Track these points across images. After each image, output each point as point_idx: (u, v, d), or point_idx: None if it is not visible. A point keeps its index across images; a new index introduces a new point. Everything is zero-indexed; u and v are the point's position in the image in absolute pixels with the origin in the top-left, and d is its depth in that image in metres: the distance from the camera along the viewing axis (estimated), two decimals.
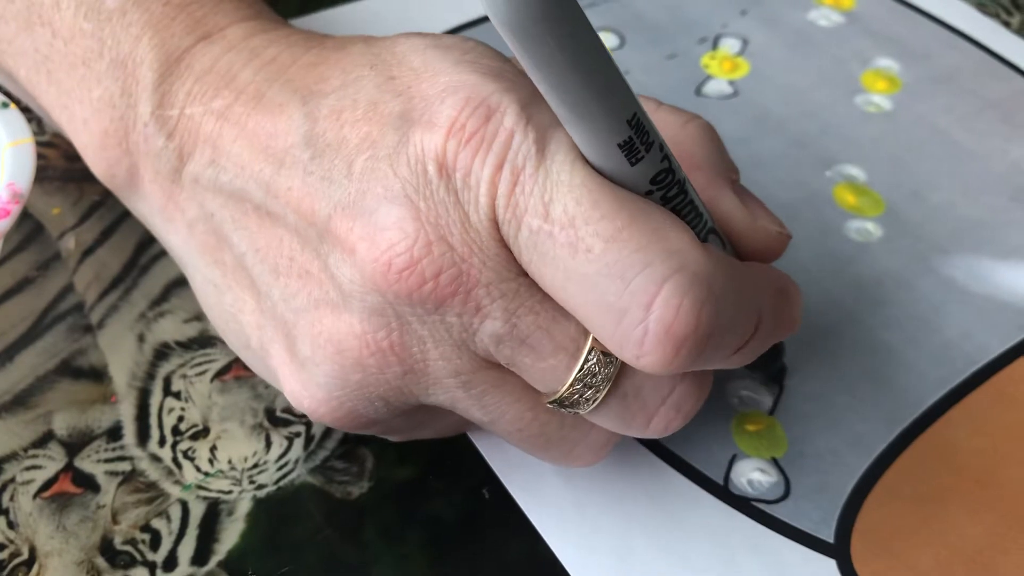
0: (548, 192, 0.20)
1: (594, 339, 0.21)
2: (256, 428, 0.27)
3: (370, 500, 0.26)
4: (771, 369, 0.29)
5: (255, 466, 0.26)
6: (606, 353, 0.21)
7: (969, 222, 0.33)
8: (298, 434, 0.27)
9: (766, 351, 0.26)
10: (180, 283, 0.30)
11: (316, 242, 0.22)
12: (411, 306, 0.21)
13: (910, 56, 0.39)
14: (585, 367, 0.21)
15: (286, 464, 0.26)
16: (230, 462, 0.26)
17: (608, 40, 0.40)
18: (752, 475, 0.27)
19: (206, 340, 0.29)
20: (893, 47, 0.40)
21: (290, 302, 0.23)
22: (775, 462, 0.27)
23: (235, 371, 0.28)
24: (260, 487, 0.26)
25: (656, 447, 0.27)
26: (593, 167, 0.20)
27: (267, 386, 0.28)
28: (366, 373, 0.22)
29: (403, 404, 0.23)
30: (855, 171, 0.35)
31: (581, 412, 0.22)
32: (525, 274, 0.21)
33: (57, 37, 0.26)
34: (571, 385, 0.21)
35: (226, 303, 0.25)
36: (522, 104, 0.20)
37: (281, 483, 0.26)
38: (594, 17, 0.40)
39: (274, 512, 0.26)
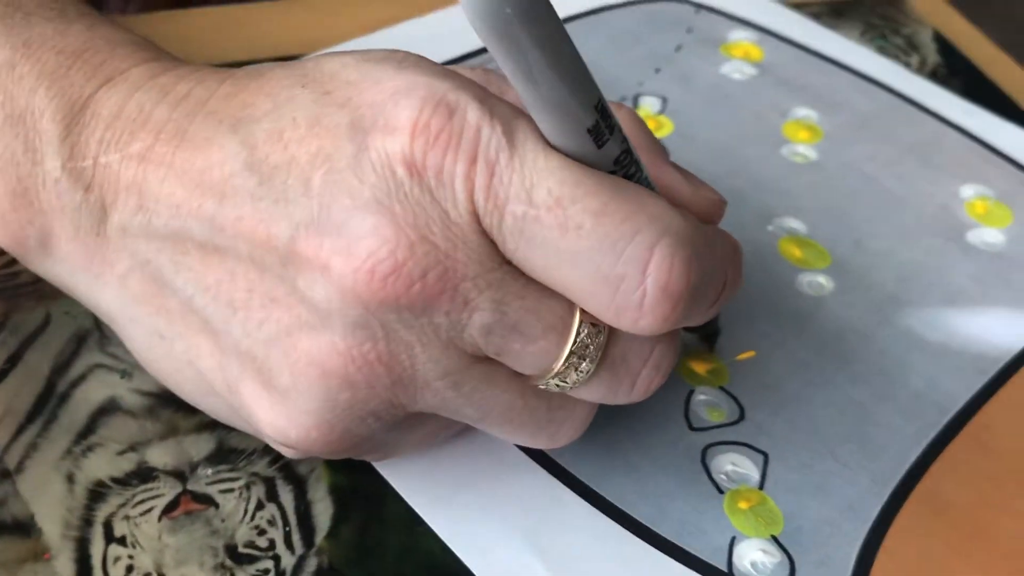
0: (528, 178, 0.20)
1: (581, 312, 0.22)
2: (218, 569, 0.24)
3: None
4: (708, 329, 0.30)
5: None
6: (595, 324, 0.22)
7: (912, 266, 0.34)
8: (267, 571, 0.24)
9: None
10: (107, 409, 0.27)
11: (278, 267, 0.22)
12: (397, 312, 0.21)
13: (825, 104, 0.40)
14: (578, 340, 0.22)
15: None
16: None
17: None
18: (755, 556, 0.26)
19: (146, 473, 0.26)
20: (808, 96, 0.40)
21: (255, 334, 0.22)
22: (775, 540, 0.26)
23: (184, 505, 0.25)
24: None
25: (652, 538, 0.26)
26: (561, 152, 0.21)
27: (224, 519, 0.25)
28: (355, 390, 0.22)
29: (393, 416, 0.23)
30: (796, 224, 0.35)
31: (571, 386, 0.23)
32: (507, 262, 0.21)
33: None
34: (566, 359, 0.22)
35: (177, 352, 0.24)
36: (479, 99, 0.21)
37: None
38: None
39: None
